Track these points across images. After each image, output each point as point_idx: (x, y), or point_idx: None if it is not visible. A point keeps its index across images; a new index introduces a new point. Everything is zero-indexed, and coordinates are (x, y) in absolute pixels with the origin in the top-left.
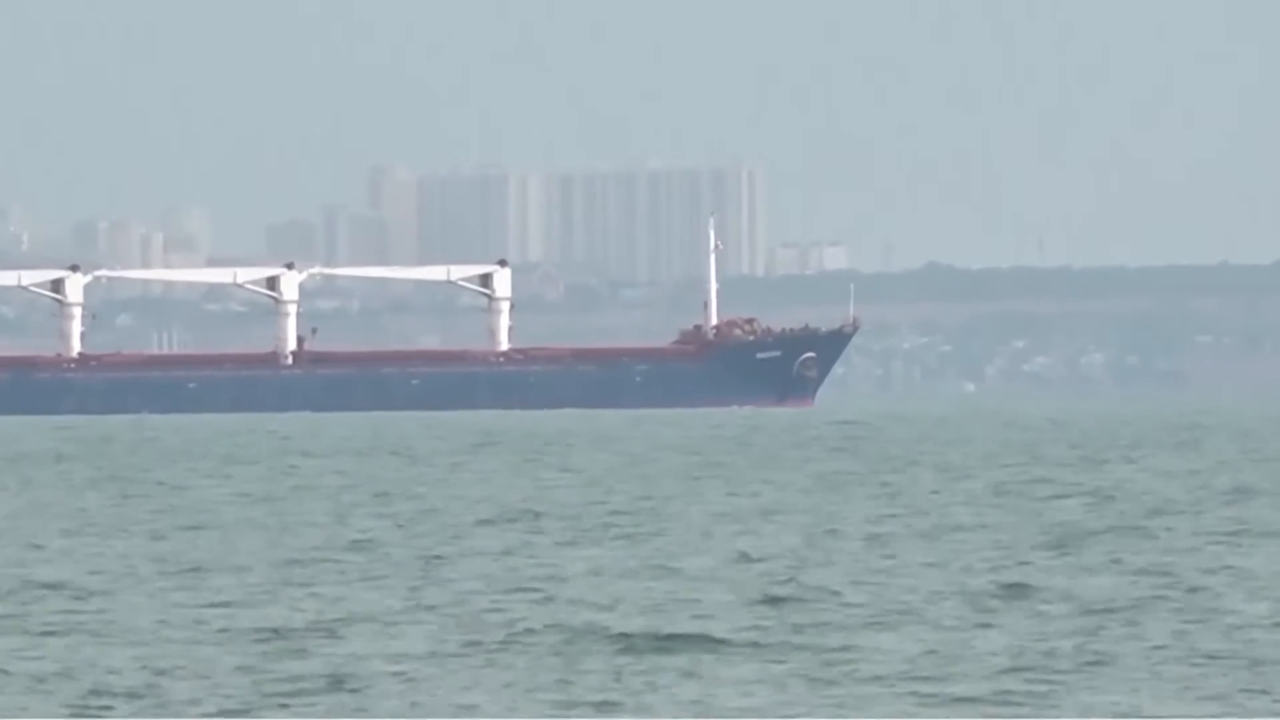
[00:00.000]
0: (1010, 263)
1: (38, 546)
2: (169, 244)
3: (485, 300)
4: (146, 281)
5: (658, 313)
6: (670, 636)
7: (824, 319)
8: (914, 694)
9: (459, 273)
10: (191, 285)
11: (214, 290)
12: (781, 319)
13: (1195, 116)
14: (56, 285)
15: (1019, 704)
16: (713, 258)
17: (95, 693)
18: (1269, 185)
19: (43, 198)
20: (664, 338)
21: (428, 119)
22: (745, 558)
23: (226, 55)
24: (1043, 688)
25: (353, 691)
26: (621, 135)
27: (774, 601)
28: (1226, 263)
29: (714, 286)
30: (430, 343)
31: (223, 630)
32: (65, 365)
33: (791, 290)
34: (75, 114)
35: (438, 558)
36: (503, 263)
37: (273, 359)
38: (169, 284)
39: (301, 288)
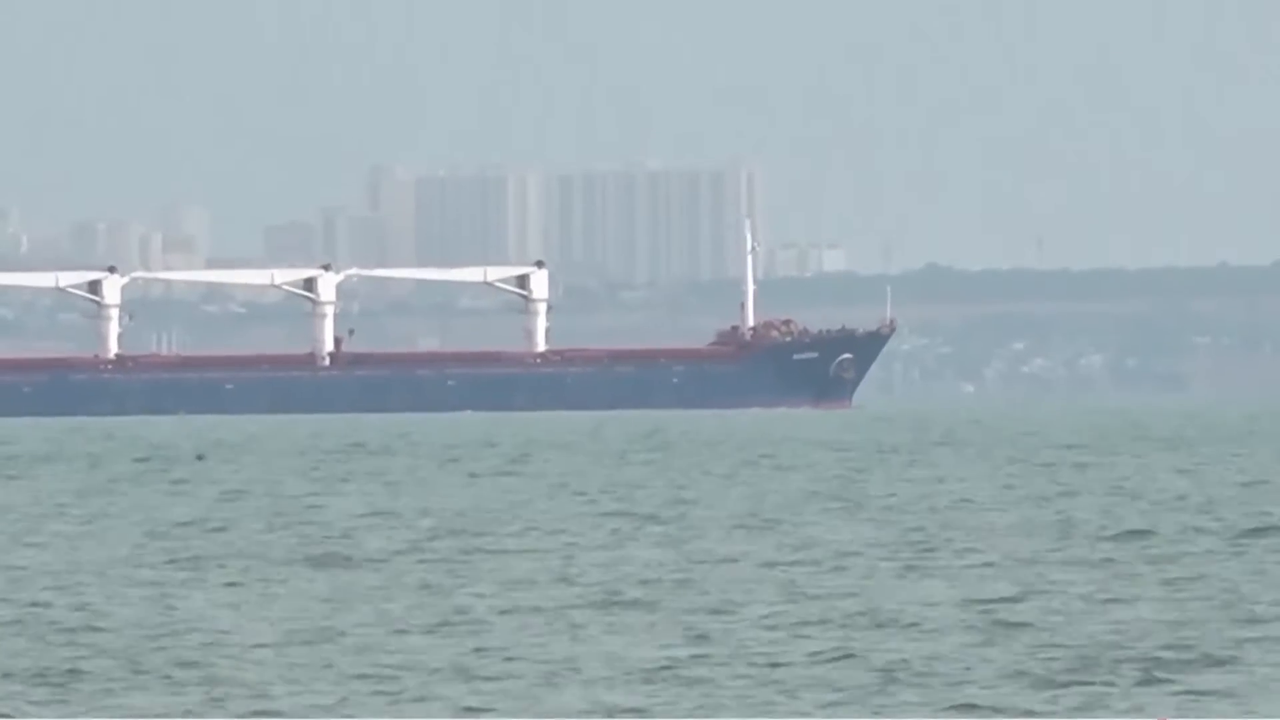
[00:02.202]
0: (1010, 264)
1: None
2: (168, 244)
3: (522, 301)
4: (147, 281)
5: (657, 314)
6: None
7: (823, 320)
8: None
9: (495, 274)
10: (191, 286)
11: (212, 291)
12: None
13: (1195, 117)
14: (94, 286)
15: None
16: (749, 259)
17: None
18: (1269, 185)
19: (42, 198)
20: (664, 339)
21: (428, 119)
22: None
23: (226, 55)
24: None
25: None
26: (621, 135)
27: None
28: (1225, 264)
29: (751, 288)
30: (430, 344)
31: None
32: (102, 367)
33: (791, 291)
34: (75, 114)
35: None
36: (540, 264)
37: (310, 360)
38: (168, 284)
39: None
